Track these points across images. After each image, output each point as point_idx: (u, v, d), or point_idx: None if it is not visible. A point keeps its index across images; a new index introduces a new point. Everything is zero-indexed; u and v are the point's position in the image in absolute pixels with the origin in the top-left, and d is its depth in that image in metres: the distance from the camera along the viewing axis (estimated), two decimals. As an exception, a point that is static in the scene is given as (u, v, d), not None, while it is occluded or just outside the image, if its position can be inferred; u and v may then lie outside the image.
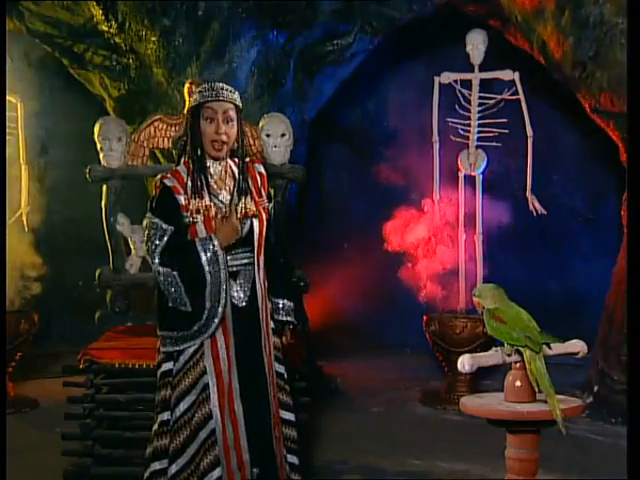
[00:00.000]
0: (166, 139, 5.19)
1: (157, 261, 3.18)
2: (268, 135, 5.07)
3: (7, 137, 6.07)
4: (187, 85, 5.22)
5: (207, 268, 3.15)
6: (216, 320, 3.17)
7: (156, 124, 5.19)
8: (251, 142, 5.07)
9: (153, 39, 6.34)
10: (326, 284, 7.76)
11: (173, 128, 5.18)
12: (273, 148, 5.06)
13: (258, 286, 3.26)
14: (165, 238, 3.19)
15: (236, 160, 3.34)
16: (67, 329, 7.97)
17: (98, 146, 5.15)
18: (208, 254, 3.14)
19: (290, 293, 3.44)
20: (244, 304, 3.24)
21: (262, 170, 3.40)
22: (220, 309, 3.17)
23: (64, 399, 4.48)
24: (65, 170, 7.16)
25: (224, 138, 3.22)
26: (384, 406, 6.14)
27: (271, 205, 3.41)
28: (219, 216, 3.19)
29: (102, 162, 5.14)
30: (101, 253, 5.28)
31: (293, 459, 3.35)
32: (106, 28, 6.44)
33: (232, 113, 3.23)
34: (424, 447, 5.03)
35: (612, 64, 5.69)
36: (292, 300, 3.42)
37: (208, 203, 3.21)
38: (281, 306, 3.39)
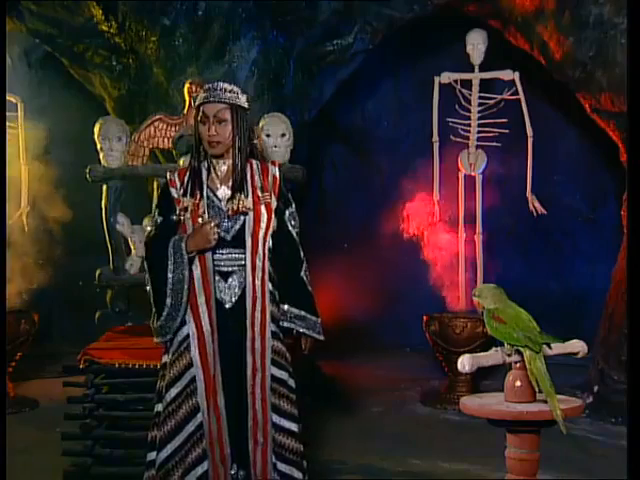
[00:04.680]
0: (166, 139, 5.20)
1: (145, 251, 3.34)
2: (268, 135, 5.07)
3: (7, 137, 6.07)
4: (187, 85, 5.23)
5: (171, 267, 3.20)
6: (178, 319, 3.22)
7: (156, 124, 5.20)
8: (251, 142, 5.07)
9: (153, 39, 6.34)
10: (326, 284, 7.75)
11: (173, 128, 5.19)
12: (273, 148, 5.06)
13: (249, 288, 3.24)
14: (154, 228, 3.32)
15: (252, 160, 3.35)
16: (67, 329, 7.97)
17: (98, 146, 5.15)
18: (176, 255, 3.20)
19: (301, 300, 3.38)
20: (229, 305, 3.24)
21: (276, 173, 3.38)
22: (181, 311, 3.21)
23: (64, 399, 4.48)
24: (65, 170, 7.14)
25: (216, 139, 3.25)
26: (384, 406, 6.13)
27: (289, 212, 3.37)
28: (199, 220, 3.21)
29: (102, 162, 5.14)
30: (101, 253, 5.29)
31: (292, 471, 3.28)
32: (106, 28, 6.45)
33: (224, 113, 3.24)
34: (424, 447, 5.03)
35: (612, 64, 5.69)
36: (302, 308, 3.37)
37: (197, 201, 3.24)
38: (286, 311, 3.34)
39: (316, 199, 8.61)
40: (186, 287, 3.21)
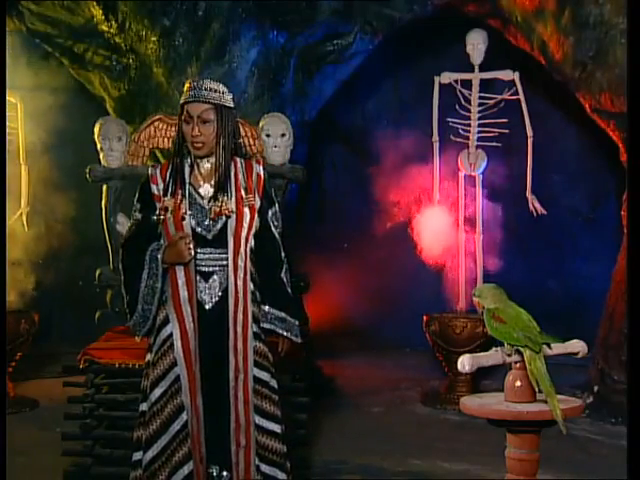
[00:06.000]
0: (166, 139, 5.19)
1: (121, 252, 3.32)
2: (268, 135, 5.07)
3: (7, 137, 6.07)
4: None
5: (144, 276, 3.20)
6: (148, 323, 3.23)
7: (156, 124, 5.19)
8: (251, 142, 5.07)
9: (153, 39, 6.34)
10: (326, 284, 7.76)
11: (173, 128, 5.18)
12: (273, 148, 5.06)
13: (232, 289, 3.21)
14: (132, 226, 3.32)
15: (237, 158, 3.33)
16: (67, 329, 7.97)
17: (98, 146, 5.16)
18: (151, 264, 3.20)
19: (280, 302, 3.32)
20: (210, 305, 3.22)
21: (260, 171, 3.33)
22: (150, 319, 3.22)
23: (64, 399, 4.48)
24: (65, 170, 7.15)
25: (199, 139, 3.22)
26: (384, 406, 6.14)
27: (272, 212, 3.34)
28: (178, 234, 3.19)
29: (102, 162, 5.15)
30: (101, 253, 5.29)
31: (275, 473, 3.27)
32: (106, 28, 6.45)
33: (208, 114, 3.21)
34: (424, 447, 5.03)
35: (612, 64, 5.69)
36: (283, 309, 3.32)
37: (179, 201, 3.21)
38: (267, 312, 3.29)
39: (316, 199, 8.61)
40: (157, 297, 3.21)
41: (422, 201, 6.58)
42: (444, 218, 6.47)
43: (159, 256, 3.20)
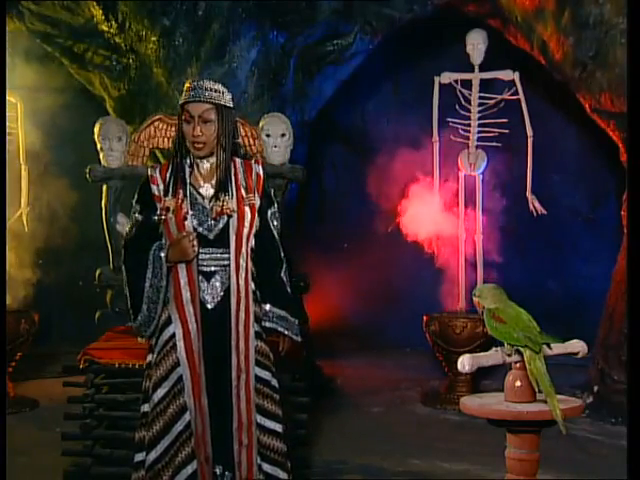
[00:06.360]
0: (166, 139, 5.19)
1: (123, 253, 3.31)
2: (268, 135, 5.07)
3: (7, 137, 6.07)
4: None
5: (149, 275, 3.20)
6: (153, 324, 3.22)
7: (156, 124, 5.19)
8: (251, 142, 5.07)
9: (153, 39, 6.34)
10: (326, 284, 7.76)
11: (173, 128, 5.18)
12: (273, 148, 5.06)
13: (234, 288, 3.21)
14: (133, 228, 3.30)
15: (236, 159, 3.33)
16: (67, 329, 7.97)
17: (98, 146, 5.16)
18: (155, 263, 3.20)
19: (281, 301, 3.33)
20: (212, 305, 3.21)
21: (260, 171, 3.34)
22: (156, 318, 3.21)
23: (64, 399, 4.48)
24: (65, 170, 7.15)
25: (201, 139, 3.21)
26: (384, 406, 6.14)
27: (271, 212, 3.34)
28: (183, 232, 3.18)
29: (102, 162, 5.15)
30: (101, 253, 5.29)
31: (276, 472, 3.27)
32: (106, 28, 6.45)
33: (210, 113, 3.21)
34: (424, 447, 5.03)
35: (612, 64, 5.70)
36: (283, 308, 3.33)
37: (180, 201, 3.20)
38: (268, 311, 3.30)
39: (316, 199, 8.61)
40: (162, 297, 3.21)
41: (422, 200, 6.57)
42: (444, 217, 6.47)
43: (162, 254, 3.20)
